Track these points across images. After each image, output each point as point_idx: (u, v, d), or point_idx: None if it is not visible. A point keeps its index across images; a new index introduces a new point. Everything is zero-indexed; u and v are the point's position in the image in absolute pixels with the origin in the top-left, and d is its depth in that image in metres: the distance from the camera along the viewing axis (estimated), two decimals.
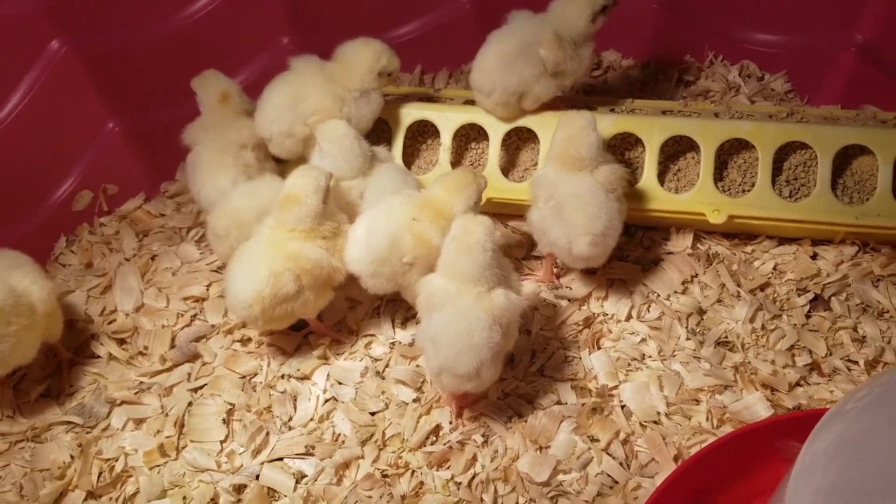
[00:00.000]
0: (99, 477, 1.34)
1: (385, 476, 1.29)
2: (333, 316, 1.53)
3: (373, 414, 1.38)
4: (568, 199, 1.39)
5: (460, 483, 1.27)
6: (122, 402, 1.44)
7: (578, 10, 1.54)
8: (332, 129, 1.52)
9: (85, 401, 1.46)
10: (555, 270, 1.57)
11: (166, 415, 1.42)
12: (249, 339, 1.52)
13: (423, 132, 1.73)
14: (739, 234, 1.60)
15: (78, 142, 1.75)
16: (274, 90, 1.58)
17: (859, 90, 1.75)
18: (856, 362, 1.38)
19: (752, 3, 1.90)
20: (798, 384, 1.36)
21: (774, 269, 1.54)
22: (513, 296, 1.24)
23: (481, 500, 1.24)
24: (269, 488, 1.30)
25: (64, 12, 1.69)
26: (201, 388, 1.45)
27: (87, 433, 1.41)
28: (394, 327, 1.52)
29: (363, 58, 1.58)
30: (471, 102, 1.69)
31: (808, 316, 1.46)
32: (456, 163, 1.69)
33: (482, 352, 1.20)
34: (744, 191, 1.54)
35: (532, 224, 1.47)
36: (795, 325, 1.44)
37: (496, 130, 1.64)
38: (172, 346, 1.53)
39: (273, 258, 1.33)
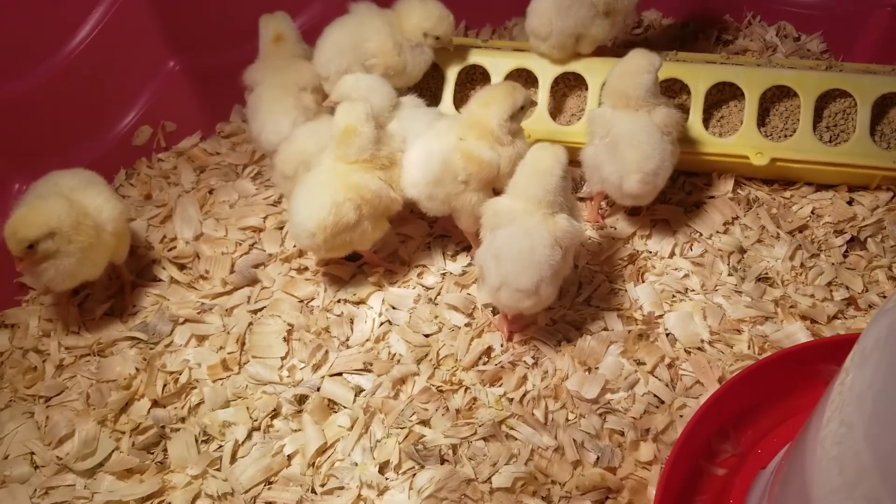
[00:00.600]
0: (164, 388, 1.40)
1: (440, 391, 1.35)
2: (386, 249, 1.59)
3: (427, 336, 1.44)
4: (623, 136, 1.44)
5: (512, 399, 1.33)
6: (185, 321, 1.50)
7: None
8: (345, 83, 1.51)
9: (148, 319, 1.52)
10: (600, 211, 1.63)
11: (228, 333, 1.47)
12: (306, 268, 1.58)
13: (472, 79, 1.79)
14: (779, 180, 1.66)
15: (140, 78, 1.80)
16: (334, 30, 1.61)
17: (893, 49, 1.79)
18: None
19: None
20: (836, 317, 1.41)
21: (812, 212, 1.60)
22: (575, 222, 1.30)
23: (533, 414, 1.30)
24: (329, 400, 1.36)
25: None
26: (261, 309, 1.51)
27: (151, 349, 1.47)
28: (444, 259, 1.58)
29: (414, 15, 1.62)
30: (518, 52, 1.74)
31: (845, 255, 1.52)
32: None
33: (543, 268, 1.26)
34: (785, 136, 1.60)
35: (585, 160, 1.52)
36: (833, 263, 1.50)
37: (545, 75, 1.69)
38: (232, 272, 1.58)
39: (336, 189, 1.38)
